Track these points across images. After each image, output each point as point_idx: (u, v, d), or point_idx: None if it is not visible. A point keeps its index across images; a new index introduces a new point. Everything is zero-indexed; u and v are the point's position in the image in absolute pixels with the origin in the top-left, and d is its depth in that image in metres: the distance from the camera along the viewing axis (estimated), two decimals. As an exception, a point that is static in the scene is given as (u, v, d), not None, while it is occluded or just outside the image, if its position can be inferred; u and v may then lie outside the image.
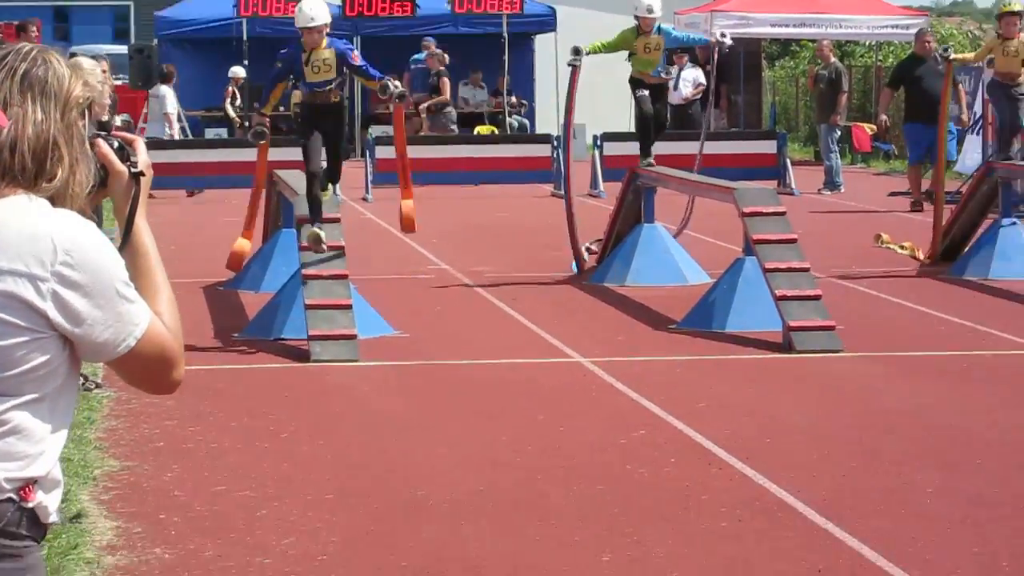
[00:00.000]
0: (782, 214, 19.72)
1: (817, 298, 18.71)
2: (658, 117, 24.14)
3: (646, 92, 23.71)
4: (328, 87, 19.62)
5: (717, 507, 11.99)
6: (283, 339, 18.82)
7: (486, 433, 14.31)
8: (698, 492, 12.42)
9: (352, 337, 17.90)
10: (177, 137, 38.76)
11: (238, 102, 44.05)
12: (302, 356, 17.92)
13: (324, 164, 19.77)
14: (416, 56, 47.87)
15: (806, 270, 19.13)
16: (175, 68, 41.45)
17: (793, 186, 36.08)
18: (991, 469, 13.08)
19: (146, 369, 4.90)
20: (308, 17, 19.34)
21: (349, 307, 18.11)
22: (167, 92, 39.22)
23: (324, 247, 18.44)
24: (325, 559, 10.72)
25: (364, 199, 34.89)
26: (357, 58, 19.93)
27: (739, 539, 11.22)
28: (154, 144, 33.81)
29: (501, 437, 14.25)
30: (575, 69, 24.30)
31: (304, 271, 18.45)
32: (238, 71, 43.97)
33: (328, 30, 19.69)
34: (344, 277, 17.98)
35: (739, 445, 13.76)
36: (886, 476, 12.90)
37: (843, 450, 13.75)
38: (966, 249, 24.71)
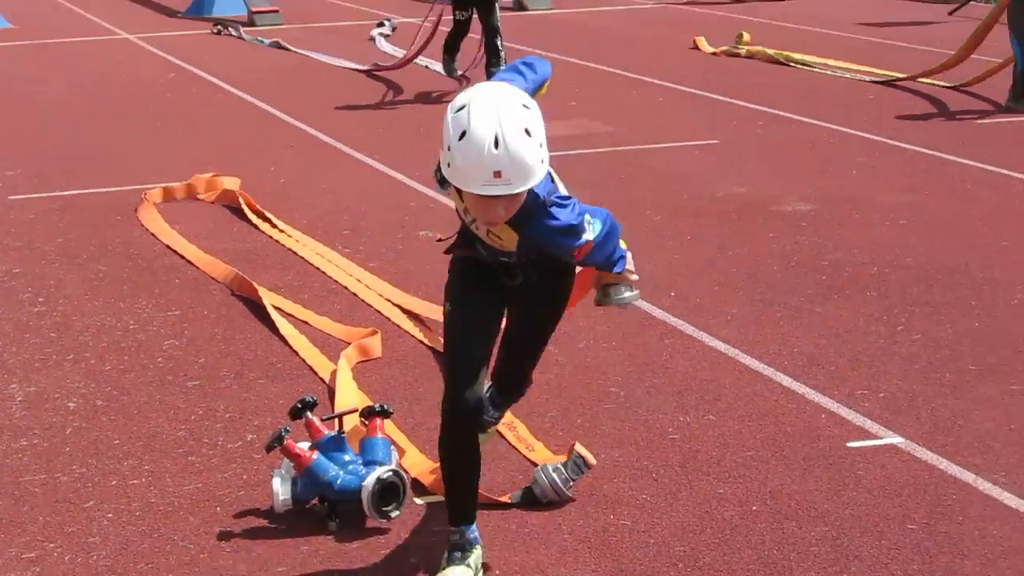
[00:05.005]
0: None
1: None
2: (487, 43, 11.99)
3: (467, 14, 12.10)
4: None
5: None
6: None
7: (74, 75, 14.01)
8: (202, 105, 12.35)
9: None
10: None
11: None
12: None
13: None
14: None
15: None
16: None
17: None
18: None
19: None
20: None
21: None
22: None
23: None
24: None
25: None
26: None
27: (239, 137, 11.29)
28: None
29: (83, 81, 13.93)
30: None
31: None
32: None
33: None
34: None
35: (233, 79, 13.73)
36: None
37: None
38: None
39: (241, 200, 8.52)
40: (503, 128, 3.47)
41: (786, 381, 5.65)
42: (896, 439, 5.06)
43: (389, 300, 6.76)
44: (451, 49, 12.41)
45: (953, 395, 5.49)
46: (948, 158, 9.76)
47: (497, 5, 12.06)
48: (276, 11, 18.25)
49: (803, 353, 5.98)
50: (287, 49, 15.26)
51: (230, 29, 16.52)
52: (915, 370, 5.76)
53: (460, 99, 3.54)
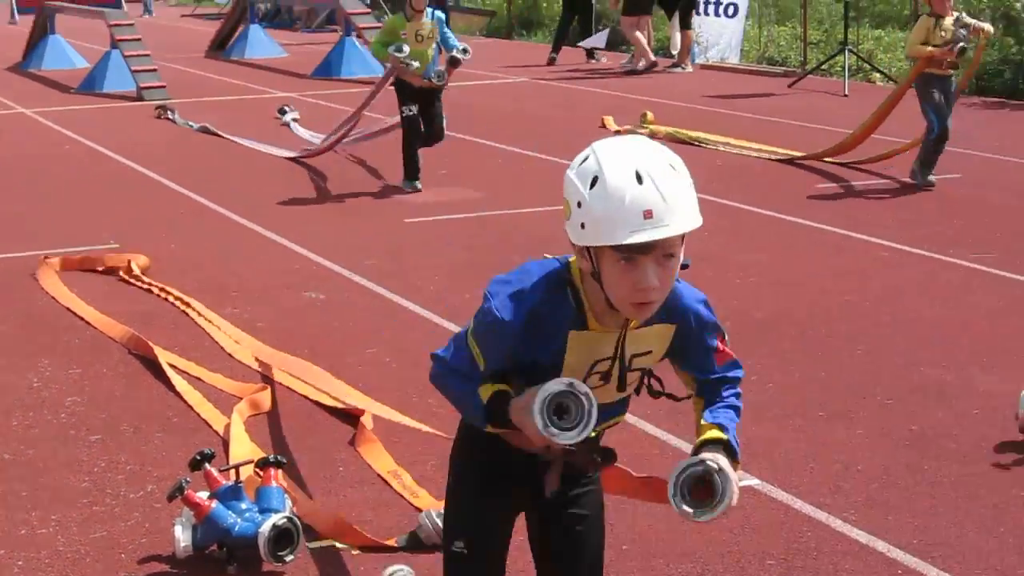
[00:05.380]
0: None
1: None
2: (432, 133, 11.12)
3: (414, 109, 10.90)
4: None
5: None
6: None
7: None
8: (96, 175, 12.21)
9: None
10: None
11: None
12: None
13: None
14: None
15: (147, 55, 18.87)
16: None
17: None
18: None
19: None
20: None
21: None
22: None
23: None
24: None
25: None
26: None
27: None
28: None
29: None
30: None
31: None
32: None
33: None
34: None
35: (126, 150, 13.57)
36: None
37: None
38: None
39: (122, 273, 8.44)
40: (643, 163, 2.69)
41: (650, 429, 5.71)
42: (753, 481, 5.14)
43: (257, 359, 6.69)
44: (410, 160, 11.12)
45: (804, 439, 5.60)
46: (795, 221, 9.96)
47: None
48: (163, 86, 18.14)
49: (664, 402, 6.02)
50: (216, 135, 14.71)
51: (168, 113, 16.19)
52: (768, 417, 5.87)
53: (580, 156, 2.77)
